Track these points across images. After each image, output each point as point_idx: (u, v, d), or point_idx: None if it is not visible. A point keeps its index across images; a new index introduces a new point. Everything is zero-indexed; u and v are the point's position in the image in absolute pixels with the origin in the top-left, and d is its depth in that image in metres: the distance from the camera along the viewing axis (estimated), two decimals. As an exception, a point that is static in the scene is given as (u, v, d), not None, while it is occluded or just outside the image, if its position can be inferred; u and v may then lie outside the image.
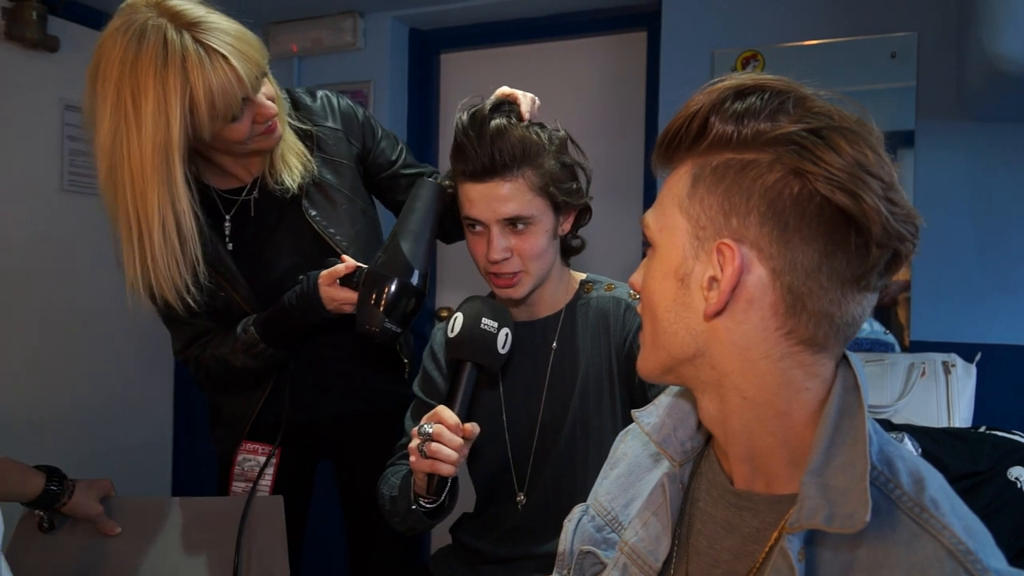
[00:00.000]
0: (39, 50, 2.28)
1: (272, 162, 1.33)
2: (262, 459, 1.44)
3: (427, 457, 1.08)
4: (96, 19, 2.47)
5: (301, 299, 1.28)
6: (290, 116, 1.37)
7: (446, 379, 1.35)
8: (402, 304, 1.21)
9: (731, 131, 0.62)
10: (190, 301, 1.23)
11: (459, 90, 2.69)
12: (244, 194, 1.36)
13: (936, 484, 0.61)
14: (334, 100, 1.45)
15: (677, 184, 0.67)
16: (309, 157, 1.36)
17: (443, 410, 1.10)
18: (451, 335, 1.16)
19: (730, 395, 0.66)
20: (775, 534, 0.63)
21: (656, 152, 0.70)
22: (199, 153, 1.31)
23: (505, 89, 1.25)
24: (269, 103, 1.25)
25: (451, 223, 1.38)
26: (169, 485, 2.80)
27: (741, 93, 0.63)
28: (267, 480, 1.43)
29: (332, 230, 1.37)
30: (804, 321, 0.61)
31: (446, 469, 1.08)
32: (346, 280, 1.26)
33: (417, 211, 1.26)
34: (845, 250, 0.59)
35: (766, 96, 0.62)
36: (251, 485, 1.38)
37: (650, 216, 0.70)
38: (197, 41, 1.13)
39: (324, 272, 1.27)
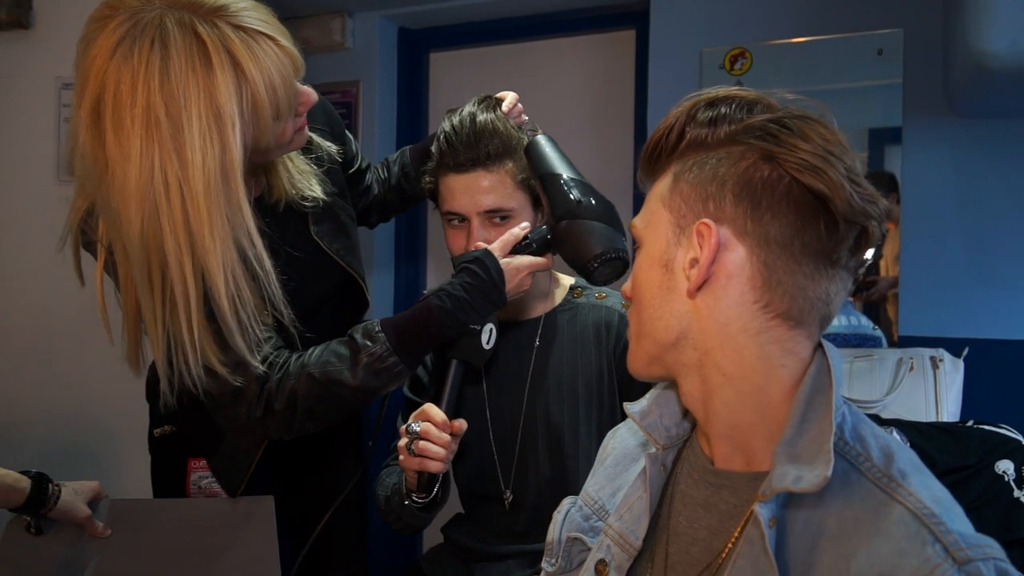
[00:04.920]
0: (13, 30, 2.20)
1: (288, 173, 1.15)
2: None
3: (416, 455, 1.09)
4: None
5: (475, 289, 1.09)
6: None
7: (431, 376, 1.35)
8: (617, 216, 1.11)
9: (705, 134, 0.68)
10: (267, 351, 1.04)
11: (448, 89, 2.69)
12: None
13: (906, 458, 0.64)
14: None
15: (660, 185, 0.73)
16: (310, 164, 1.21)
17: (430, 408, 1.10)
18: None
19: (711, 373, 0.69)
20: (751, 508, 0.65)
21: (641, 167, 0.76)
22: None
23: (508, 95, 1.28)
24: (307, 87, 1.03)
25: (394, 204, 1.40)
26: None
27: (713, 103, 0.69)
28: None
29: (336, 245, 1.24)
30: (780, 294, 0.65)
31: (434, 466, 1.09)
32: (517, 247, 1.14)
33: (555, 158, 1.15)
34: (816, 227, 0.64)
35: (735, 104, 0.69)
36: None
37: (637, 218, 0.75)
38: (237, 27, 0.90)
39: (495, 245, 1.13)
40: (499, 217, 1.20)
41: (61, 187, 2.38)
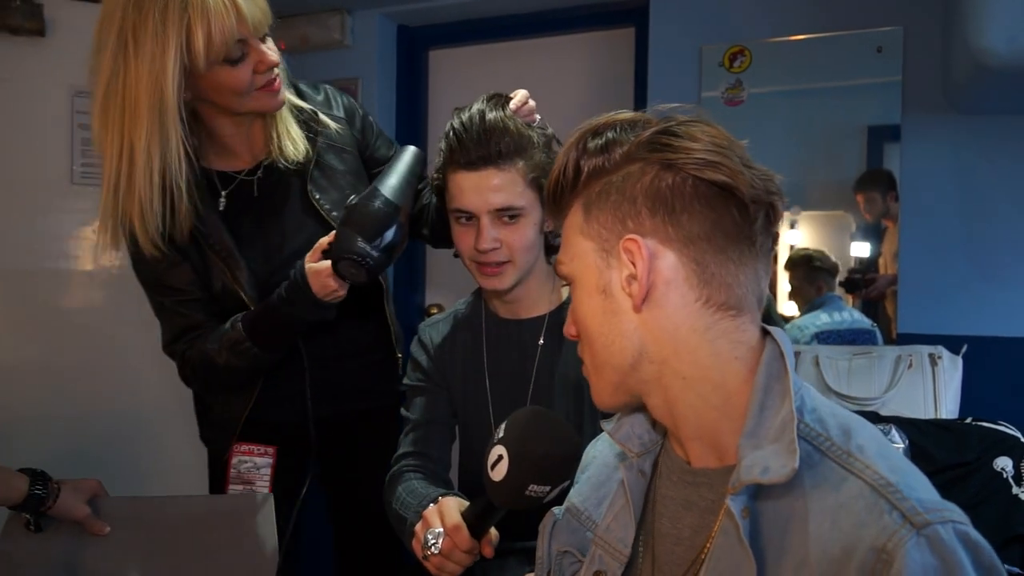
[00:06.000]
0: (26, 35, 2.20)
1: (278, 136, 1.34)
2: (259, 460, 1.39)
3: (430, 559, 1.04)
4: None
5: (291, 289, 1.25)
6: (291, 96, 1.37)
7: (434, 363, 1.34)
8: (379, 225, 1.19)
9: (601, 161, 0.72)
10: (161, 246, 1.25)
11: (447, 87, 2.69)
12: (245, 174, 1.36)
13: (866, 433, 0.65)
14: (337, 95, 1.47)
15: (573, 219, 0.75)
16: (310, 139, 1.37)
17: (458, 530, 1.02)
18: (493, 478, 0.95)
19: (672, 381, 0.70)
20: (725, 502, 0.66)
21: (548, 210, 0.78)
22: (202, 121, 1.30)
23: (519, 93, 1.27)
24: (271, 51, 1.24)
25: (440, 224, 1.36)
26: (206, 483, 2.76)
27: (597, 131, 0.73)
28: (265, 482, 1.39)
29: (336, 213, 1.35)
30: (717, 286, 0.68)
31: None
32: (325, 253, 1.23)
33: (396, 166, 1.28)
34: (729, 214, 0.68)
35: (618, 127, 0.72)
36: (250, 488, 1.36)
37: (560, 256, 0.77)
38: None
39: (308, 253, 1.25)
40: (508, 215, 1.19)
41: (74, 194, 2.39)
